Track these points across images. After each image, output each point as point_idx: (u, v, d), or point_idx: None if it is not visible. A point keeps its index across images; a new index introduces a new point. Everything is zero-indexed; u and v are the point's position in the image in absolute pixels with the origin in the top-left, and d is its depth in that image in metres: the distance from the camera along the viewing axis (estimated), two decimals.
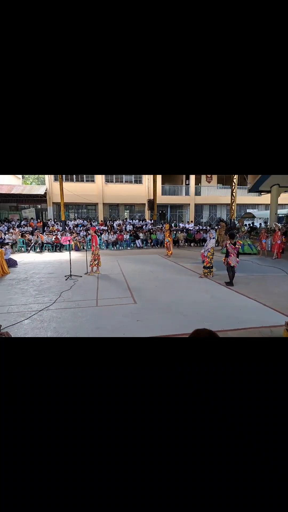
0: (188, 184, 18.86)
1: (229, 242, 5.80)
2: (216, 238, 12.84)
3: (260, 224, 16.82)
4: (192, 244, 14.08)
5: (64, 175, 15.49)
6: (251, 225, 15.76)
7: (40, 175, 27.96)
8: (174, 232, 13.89)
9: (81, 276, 6.74)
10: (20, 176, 22.66)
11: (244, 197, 18.92)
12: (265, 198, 18.79)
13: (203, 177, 19.15)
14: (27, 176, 28.10)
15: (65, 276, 6.70)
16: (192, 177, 18.62)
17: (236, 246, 5.80)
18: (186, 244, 14.08)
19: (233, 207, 16.21)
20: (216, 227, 14.65)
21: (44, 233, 13.38)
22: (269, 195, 14.21)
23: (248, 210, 19.06)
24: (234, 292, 5.34)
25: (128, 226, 15.46)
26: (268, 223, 14.12)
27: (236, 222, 13.77)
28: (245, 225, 15.08)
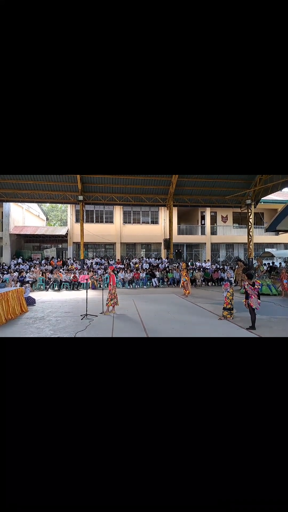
0: (204, 224, 19.21)
1: (247, 283, 5.63)
2: (234, 277, 12.56)
3: (280, 263, 16.39)
4: (210, 284, 13.80)
5: (85, 217, 16.41)
6: (271, 264, 15.37)
7: (63, 217, 29.79)
8: (191, 271, 13.78)
9: (96, 316, 6.68)
10: (44, 218, 24.25)
11: (261, 236, 18.85)
12: (283, 237, 18.59)
13: (219, 217, 19.51)
14: (50, 218, 30.03)
15: (81, 315, 6.68)
16: (208, 217, 19.02)
17: (256, 286, 5.59)
18: (204, 283, 13.83)
19: (250, 246, 16.11)
20: (234, 267, 14.43)
21: (63, 271, 13.75)
22: (287, 234, 14.06)
23: (266, 249, 18.81)
24: (256, 336, 5.02)
25: (144, 264, 15.61)
26: None
27: (255, 262, 13.53)
28: (264, 264, 14.75)
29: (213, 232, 19.31)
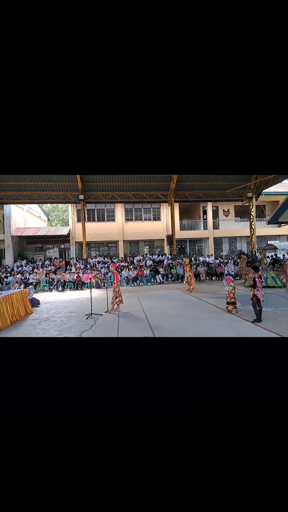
0: (206, 219, 19.10)
1: (257, 275, 5.63)
2: (238, 271, 12.50)
3: (283, 255, 16.28)
4: (213, 278, 13.76)
5: (86, 217, 16.39)
6: (274, 256, 15.26)
7: (64, 217, 29.83)
8: (195, 266, 13.74)
9: (101, 315, 6.69)
10: (45, 218, 24.30)
11: (263, 229, 18.71)
12: (286, 229, 18.43)
13: (220, 211, 19.40)
14: (52, 218, 30.08)
15: (86, 315, 6.69)
16: (209, 212, 18.92)
17: (261, 279, 5.62)
18: (208, 278, 13.79)
19: (253, 239, 16.00)
20: (238, 260, 14.35)
21: (67, 271, 13.78)
22: None
23: (269, 242, 18.69)
24: (262, 329, 4.99)
25: (148, 261, 15.59)
26: None
27: (258, 254, 13.45)
28: (268, 257, 14.64)
29: (216, 226, 19.20)
